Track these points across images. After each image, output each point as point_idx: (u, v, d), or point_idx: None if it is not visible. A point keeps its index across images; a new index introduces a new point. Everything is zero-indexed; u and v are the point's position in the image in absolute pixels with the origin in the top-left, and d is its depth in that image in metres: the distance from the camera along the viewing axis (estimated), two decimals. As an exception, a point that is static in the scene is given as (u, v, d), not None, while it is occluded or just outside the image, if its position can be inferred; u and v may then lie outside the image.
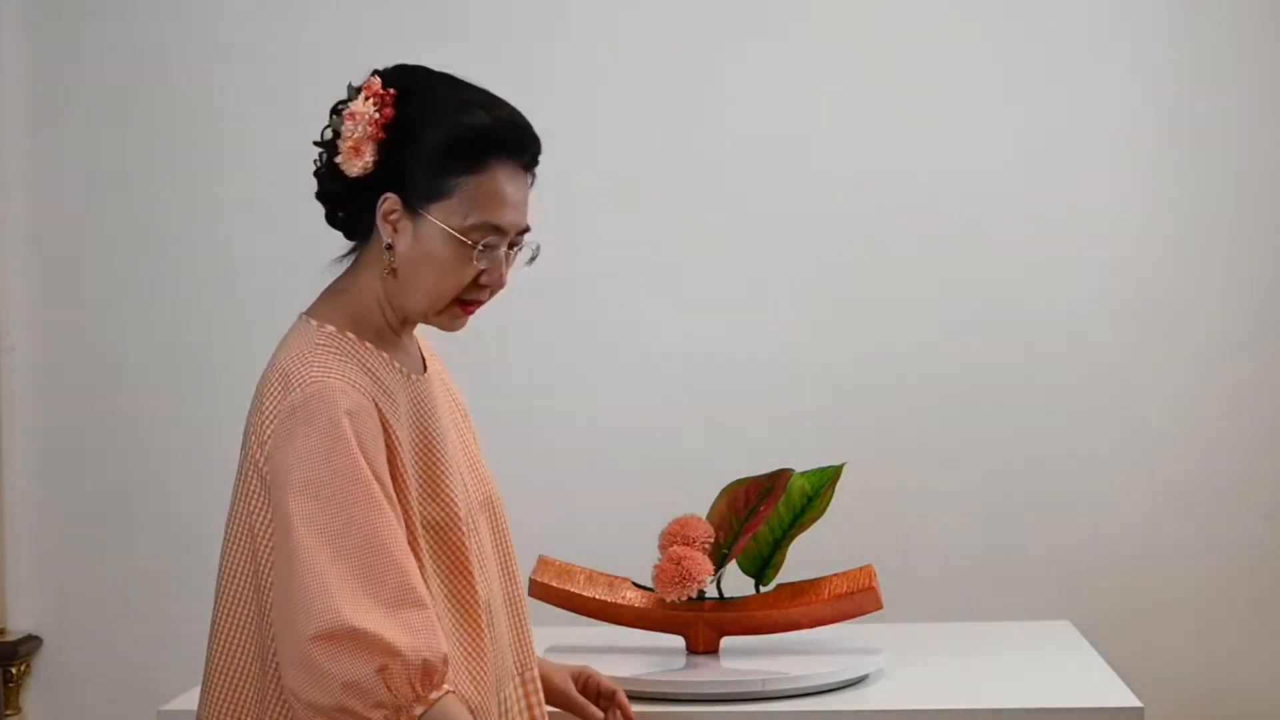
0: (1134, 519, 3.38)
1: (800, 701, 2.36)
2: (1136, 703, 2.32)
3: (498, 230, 1.95)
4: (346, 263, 2.02)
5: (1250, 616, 3.38)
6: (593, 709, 2.23)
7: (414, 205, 1.93)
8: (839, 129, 3.41)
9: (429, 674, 1.81)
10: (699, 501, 2.57)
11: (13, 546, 3.52)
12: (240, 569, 1.93)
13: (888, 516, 3.38)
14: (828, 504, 2.57)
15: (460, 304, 1.98)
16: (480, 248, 1.94)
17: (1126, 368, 3.39)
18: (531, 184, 2.00)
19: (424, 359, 2.08)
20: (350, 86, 1.97)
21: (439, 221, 1.93)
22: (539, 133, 1.99)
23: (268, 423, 1.89)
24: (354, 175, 1.93)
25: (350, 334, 1.96)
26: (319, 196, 2.00)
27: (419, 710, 1.81)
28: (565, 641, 2.63)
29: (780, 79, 3.42)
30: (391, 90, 1.94)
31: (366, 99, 1.93)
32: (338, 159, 1.94)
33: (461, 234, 1.93)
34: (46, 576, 3.53)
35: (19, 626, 3.52)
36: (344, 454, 1.85)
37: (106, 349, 3.51)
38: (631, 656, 2.52)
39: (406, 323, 2.01)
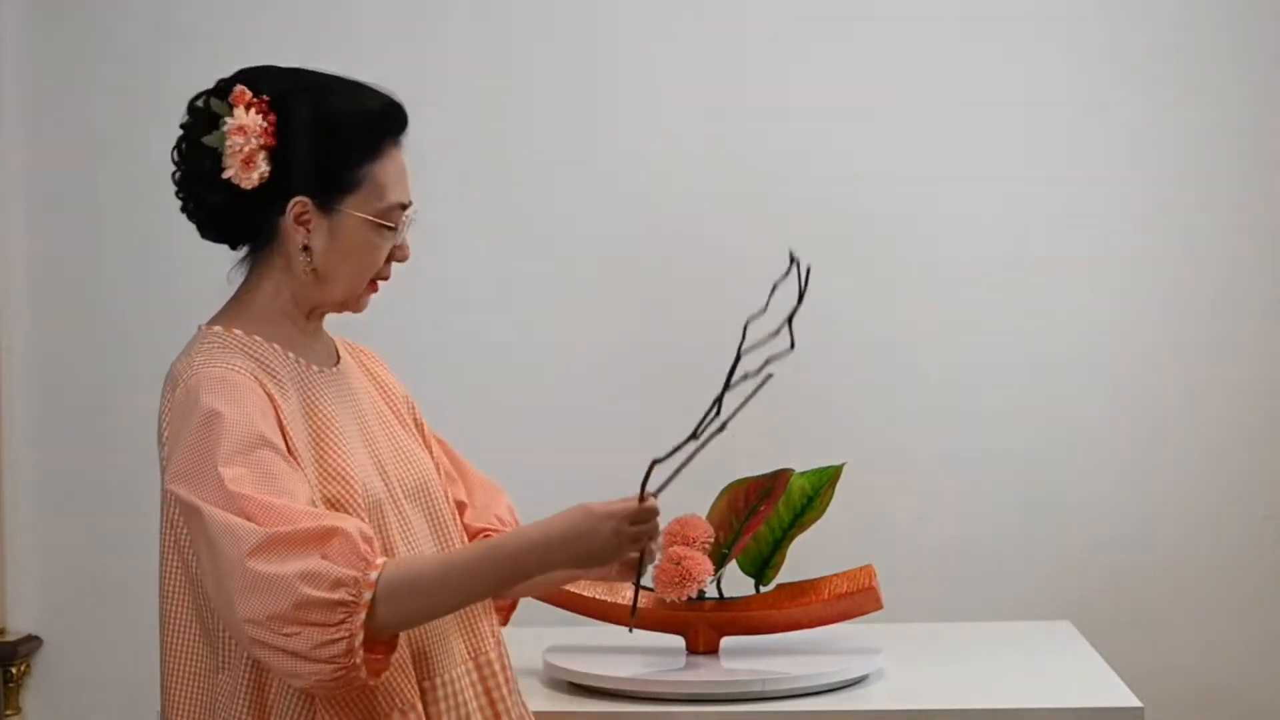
0: (1134, 519, 3.38)
1: (800, 701, 2.36)
2: (1136, 703, 2.32)
3: (404, 207, 2.01)
4: (242, 272, 2.05)
5: (1250, 616, 3.37)
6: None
7: (326, 203, 1.97)
8: (836, 126, 3.41)
9: (368, 540, 1.84)
10: (699, 501, 2.57)
11: (13, 546, 3.52)
12: (176, 578, 1.95)
13: (888, 516, 3.38)
14: (828, 504, 2.57)
15: (371, 284, 2.04)
16: (396, 228, 2.00)
17: (1126, 367, 3.39)
18: None
19: (339, 354, 2.11)
20: (197, 104, 1.99)
21: (356, 212, 1.97)
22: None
23: (164, 426, 1.95)
24: (251, 187, 1.95)
25: (237, 330, 2.00)
26: (192, 212, 2.02)
27: (374, 575, 1.81)
28: (565, 641, 2.63)
29: (772, 74, 3.42)
30: (265, 96, 1.97)
31: (247, 110, 1.96)
32: (227, 174, 1.95)
33: (380, 218, 1.98)
34: (46, 576, 3.52)
35: (19, 626, 3.52)
36: (228, 425, 1.87)
37: (106, 349, 3.51)
38: (631, 656, 2.52)
39: (313, 316, 2.05)
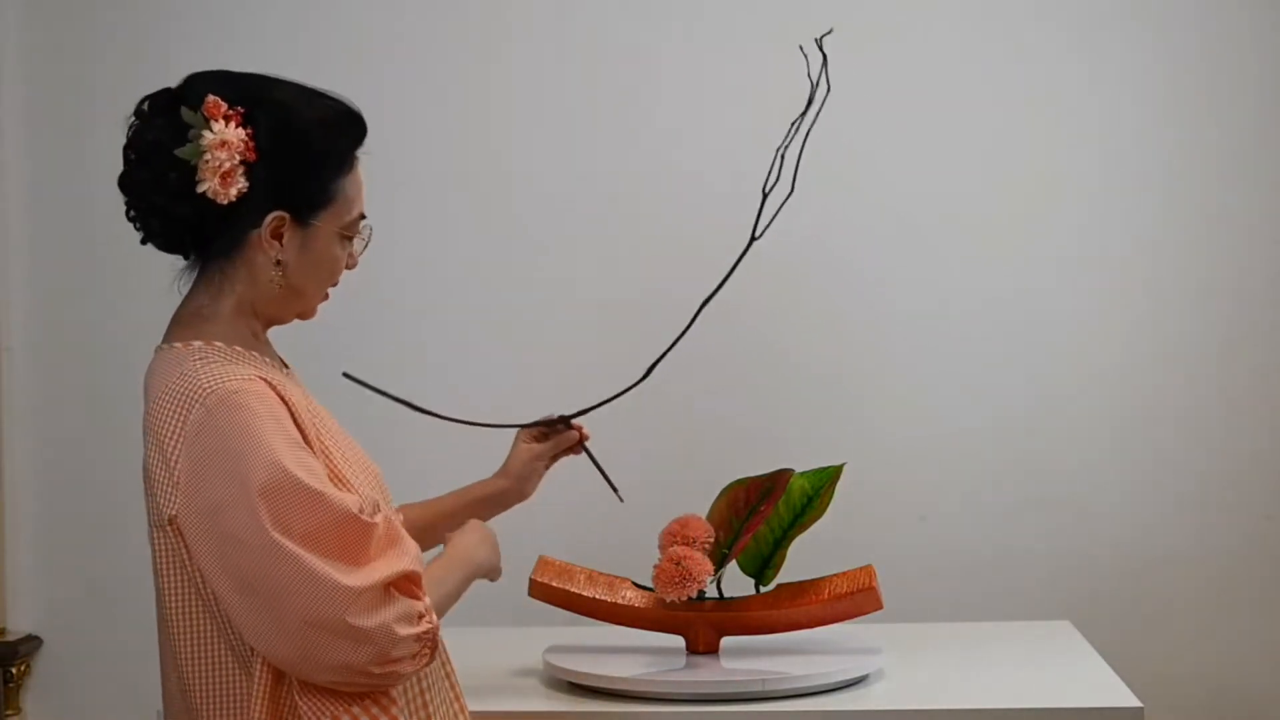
0: (1134, 519, 3.39)
1: (800, 701, 2.35)
2: (1136, 703, 2.31)
3: (363, 217, 2.03)
4: (189, 282, 2.02)
5: (1250, 616, 3.38)
6: (568, 435, 2.48)
7: (302, 218, 1.97)
8: (839, 124, 3.40)
9: (420, 561, 1.96)
10: (699, 501, 2.57)
11: (13, 546, 3.52)
12: (187, 601, 1.93)
13: (888, 516, 3.38)
14: (828, 504, 2.57)
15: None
16: (358, 239, 2.03)
17: (1126, 367, 3.39)
18: None
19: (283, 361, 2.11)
20: (159, 111, 1.94)
21: (329, 226, 1.98)
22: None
23: (173, 450, 1.89)
24: (228, 202, 1.92)
25: (218, 344, 1.97)
26: (148, 220, 1.97)
27: (429, 599, 1.94)
28: (565, 641, 2.62)
29: (770, 75, 3.42)
30: (239, 108, 1.94)
31: (226, 123, 1.92)
32: (203, 188, 1.92)
33: (346, 231, 2.00)
34: (46, 576, 3.53)
35: (19, 626, 3.52)
36: (262, 447, 1.86)
37: (106, 350, 3.51)
38: (631, 656, 2.52)
39: (269, 327, 2.04)
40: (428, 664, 1.94)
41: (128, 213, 1.98)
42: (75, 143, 3.51)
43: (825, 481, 2.57)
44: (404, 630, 1.89)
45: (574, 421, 2.48)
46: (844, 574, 2.55)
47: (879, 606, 2.51)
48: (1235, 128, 3.36)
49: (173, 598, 1.93)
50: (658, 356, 2.47)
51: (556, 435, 2.48)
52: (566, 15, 3.43)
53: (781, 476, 2.55)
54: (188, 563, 1.90)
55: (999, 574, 3.39)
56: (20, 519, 3.52)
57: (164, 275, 3.49)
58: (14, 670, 3.48)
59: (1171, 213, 3.38)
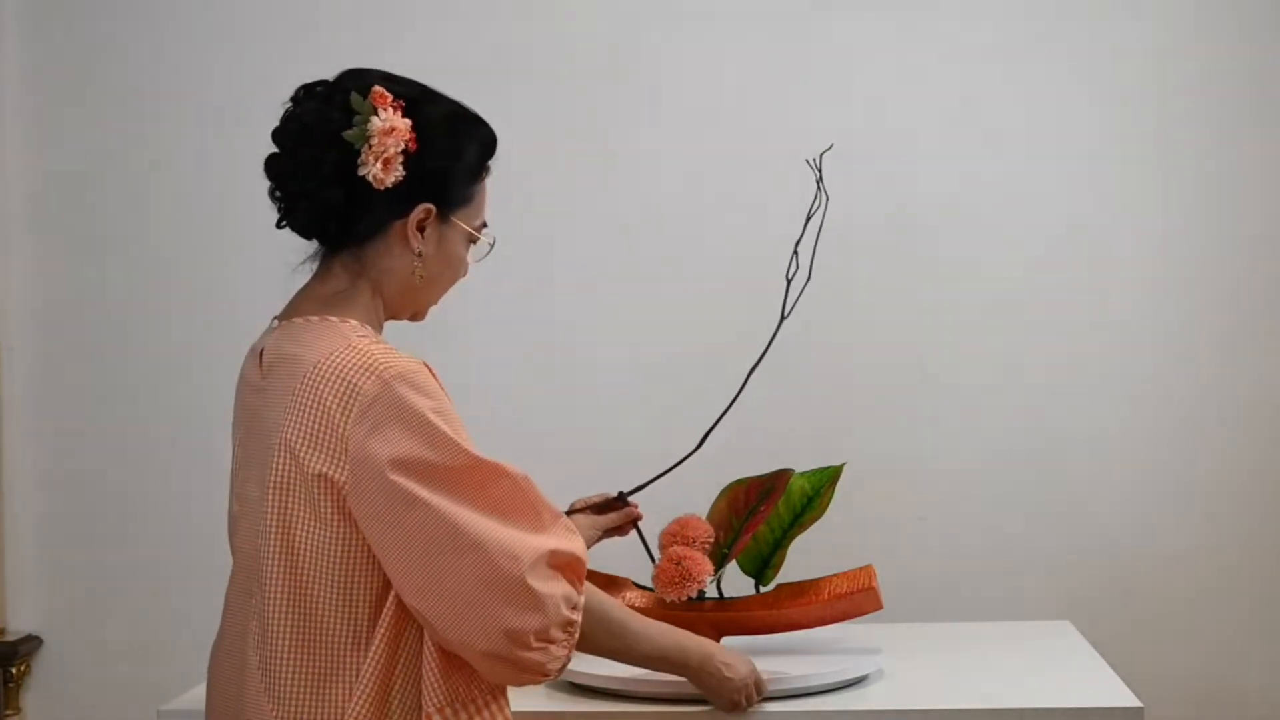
0: (1134, 519, 3.39)
1: (800, 701, 2.35)
2: (1136, 703, 2.31)
3: (485, 225, 2.09)
4: (314, 266, 2.04)
5: (1250, 616, 3.38)
6: (629, 511, 2.49)
7: (446, 213, 2.03)
8: (842, 127, 3.40)
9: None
10: (699, 501, 2.57)
11: (13, 546, 3.52)
12: (321, 580, 1.94)
13: (888, 516, 3.38)
14: (828, 504, 2.56)
15: None
16: (479, 245, 2.09)
17: (1126, 368, 3.39)
18: None
19: None
20: (324, 96, 1.98)
21: (465, 225, 2.05)
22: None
23: (339, 415, 1.91)
24: (384, 188, 1.97)
25: (368, 326, 2.02)
26: (295, 201, 1.99)
27: (583, 600, 2.02)
28: (565, 641, 2.62)
29: (780, 76, 3.42)
30: (401, 100, 1.99)
31: (394, 112, 1.98)
32: (364, 172, 1.96)
33: (475, 232, 2.07)
34: (46, 576, 3.53)
35: (19, 626, 3.52)
36: (442, 423, 1.92)
37: (106, 349, 3.51)
38: (632, 656, 2.52)
39: (388, 319, 2.08)
40: (563, 667, 1.98)
41: (272, 193, 2.01)
42: (76, 142, 3.51)
43: (825, 481, 2.57)
44: (566, 611, 1.96)
45: (631, 499, 2.51)
46: (844, 574, 2.54)
47: (879, 606, 2.51)
48: (1252, 137, 3.36)
49: (291, 555, 1.93)
50: (710, 426, 2.50)
51: (615, 510, 2.49)
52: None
53: (781, 476, 2.55)
54: (332, 520, 1.92)
55: (999, 574, 3.39)
56: (20, 519, 3.52)
57: (165, 277, 3.51)
58: (14, 670, 3.48)
59: (1173, 216, 3.38)
